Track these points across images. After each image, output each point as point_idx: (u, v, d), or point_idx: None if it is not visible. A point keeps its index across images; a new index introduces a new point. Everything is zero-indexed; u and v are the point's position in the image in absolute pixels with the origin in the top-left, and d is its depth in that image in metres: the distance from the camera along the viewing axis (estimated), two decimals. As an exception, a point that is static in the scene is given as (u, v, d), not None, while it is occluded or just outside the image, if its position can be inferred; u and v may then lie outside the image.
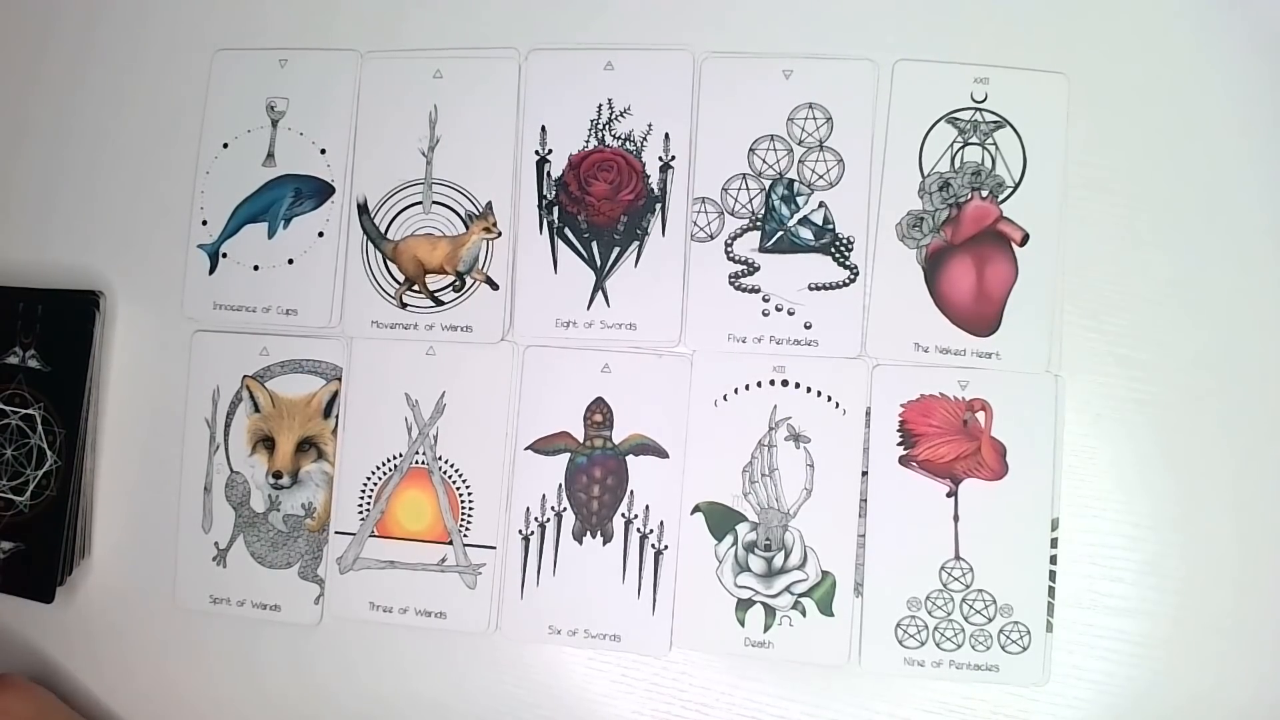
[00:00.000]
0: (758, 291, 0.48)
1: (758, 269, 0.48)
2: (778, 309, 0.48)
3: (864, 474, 0.47)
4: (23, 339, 0.51)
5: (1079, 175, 0.47)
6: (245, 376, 0.51)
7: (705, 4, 0.49)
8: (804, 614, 0.47)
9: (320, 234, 0.51)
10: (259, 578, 0.50)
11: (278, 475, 0.50)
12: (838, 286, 0.48)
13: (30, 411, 0.51)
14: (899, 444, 0.47)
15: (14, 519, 0.51)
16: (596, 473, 0.48)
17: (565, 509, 0.48)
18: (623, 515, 0.48)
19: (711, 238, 0.48)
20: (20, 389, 0.51)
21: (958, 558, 0.46)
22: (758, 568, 0.47)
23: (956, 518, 0.46)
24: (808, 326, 0.47)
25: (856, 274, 0.47)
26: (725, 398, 0.48)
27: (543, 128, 0.50)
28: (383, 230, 0.51)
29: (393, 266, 0.50)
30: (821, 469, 0.47)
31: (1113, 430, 0.46)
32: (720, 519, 0.47)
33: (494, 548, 0.49)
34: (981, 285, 0.47)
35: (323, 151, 0.51)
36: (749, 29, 0.49)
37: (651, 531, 0.48)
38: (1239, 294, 0.46)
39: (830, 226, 0.48)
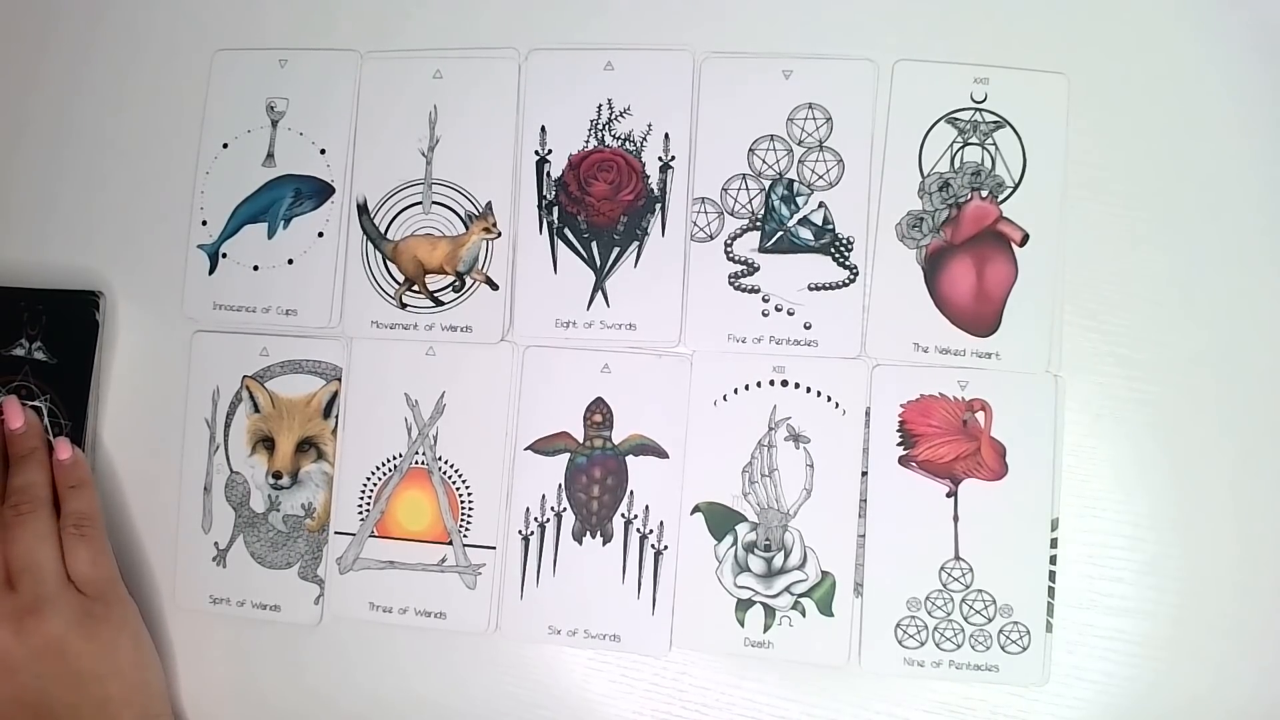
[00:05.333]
0: (757, 291, 0.48)
1: (757, 269, 0.48)
2: (777, 309, 0.48)
3: (864, 474, 0.47)
4: (29, 330, 0.51)
5: (1079, 175, 0.47)
6: (245, 376, 0.51)
7: (705, 4, 0.49)
8: (804, 614, 0.47)
9: (320, 234, 0.51)
10: (259, 578, 0.50)
11: (278, 475, 0.50)
12: (837, 286, 0.48)
13: (37, 404, 0.51)
14: (899, 444, 0.47)
15: None
16: (596, 473, 0.48)
17: (565, 509, 0.48)
18: (622, 515, 0.48)
19: (711, 238, 0.48)
20: (27, 380, 0.51)
21: (957, 558, 0.46)
22: (757, 568, 0.47)
23: (956, 518, 0.46)
24: (807, 326, 0.47)
25: (856, 274, 0.47)
26: (725, 398, 0.48)
27: (543, 128, 0.50)
28: (383, 230, 0.51)
29: (393, 266, 0.50)
30: (821, 469, 0.47)
31: (1113, 430, 0.46)
32: (720, 519, 0.47)
33: (494, 548, 0.49)
34: (981, 285, 0.47)
35: (323, 151, 0.51)
36: (749, 29, 0.49)
37: (651, 532, 0.48)
38: (1239, 294, 0.46)
39: (830, 226, 0.48)
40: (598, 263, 0.49)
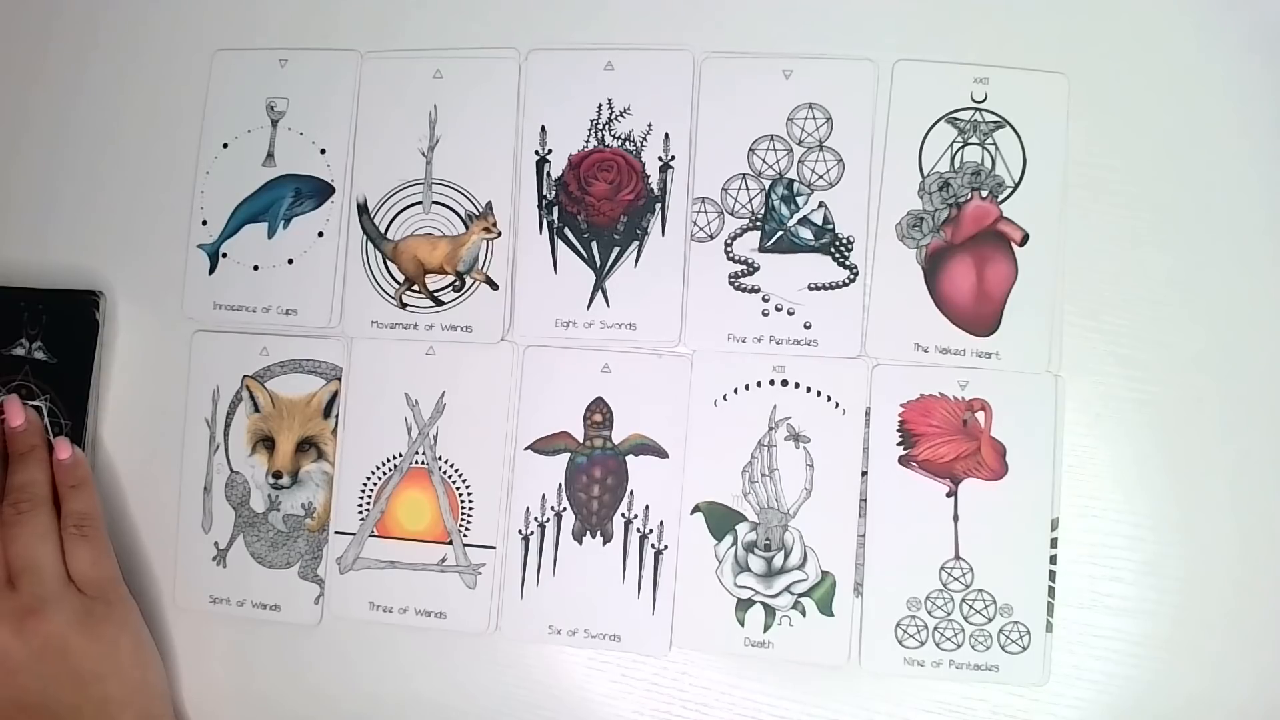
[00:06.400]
0: (758, 291, 0.48)
1: (757, 269, 0.48)
2: (778, 309, 0.48)
3: (864, 474, 0.47)
4: (29, 330, 0.51)
5: (1079, 175, 0.47)
6: (245, 376, 0.51)
7: (705, 4, 0.49)
8: (804, 614, 0.47)
9: (320, 234, 0.51)
10: (259, 578, 0.50)
11: (278, 475, 0.50)
12: (838, 286, 0.48)
13: (37, 403, 0.51)
14: (899, 444, 0.47)
15: None
16: (596, 473, 0.48)
17: (565, 509, 0.48)
18: (623, 515, 0.48)
19: (711, 238, 0.48)
20: (27, 380, 0.51)
21: (958, 558, 0.46)
22: (758, 568, 0.47)
23: (956, 518, 0.46)
24: (808, 326, 0.47)
25: (856, 274, 0.47)
26: (725, 398, 0.48)
27: (543, 128, 0.50)
28: (383, 230, 0.51)
29: (393, 266, 0.50)
30: (821, 469, 0.47)
31: (1113, 430, 0.46)
32: (720, 519, 0.47)
33: (494, 548, 0.49)
34: (981, 285, 0.47)
35: (323, 151, 0.51)
36: (749, 29, 0.49)
37: (651, 531, 0.48)
38: (1239, 294, 0.46)
39: (830, 226, 0.48)
40: (598, 262, 0.49)
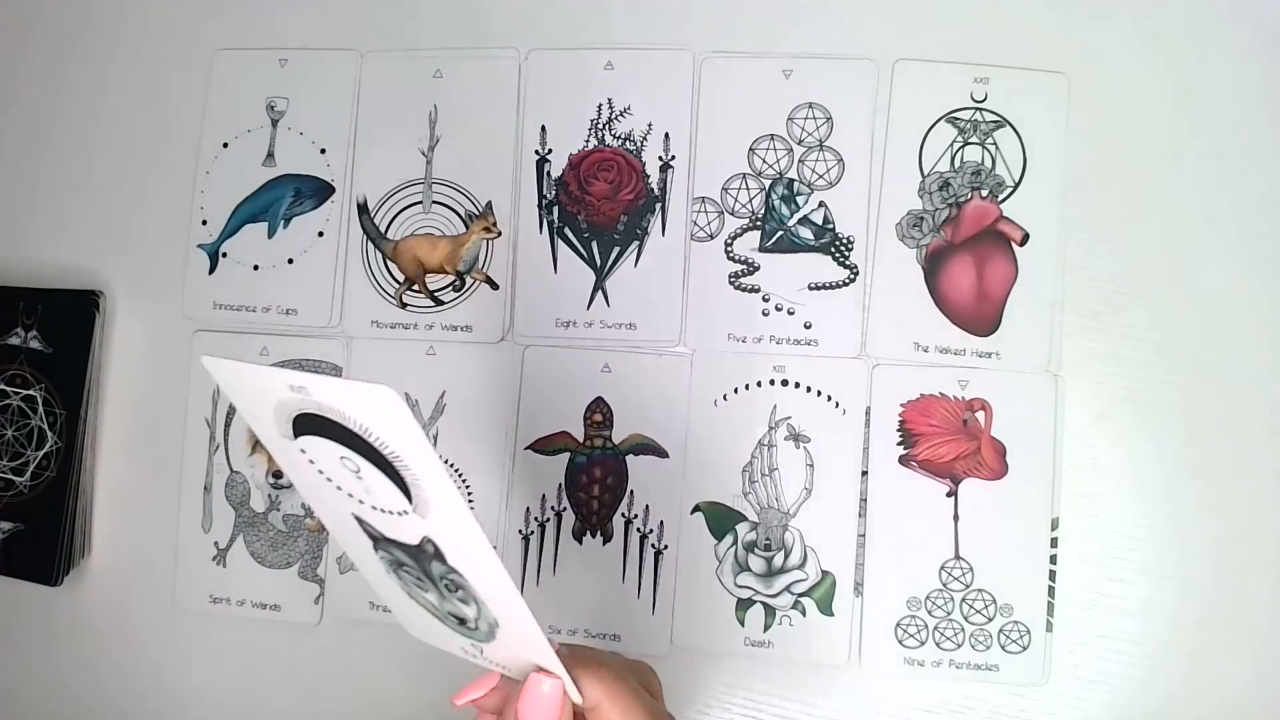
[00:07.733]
0: (758, 291, 0.48)
1: (758, 269, 0.48)
2: (778, 309, 0.48)
3: (864, 474, 0.47)
4: (24, 320, 0.51)
5: (1079, 175, 0.47)
6: (245, 376, 0.51)
7: (705, 4, 0.49)
8: (804, 614, 0.47)
9: (320, 234, 0.51)
10: (259, 578, 0.50)
11: (278, 475, 0.50)
12: (838, 286, 0.48)
13: (31, 392, 0.51)
14: (899, 444, 0.47)
15: (14, 499, 0.51)
16: (596, 472, 0.48)
17: (565, 509, 0.48)
18: (623, 515, 0.48)
19: (711, 237, 0.48)
20: (22, 369, 0.51)
21: (958, 557, 0.46)
22: (758, 567, 0.47)
23: (956, 517, 0.46)
24: (808, 326, 0.47)
25: (856, 274, 0.47)
26: (725, 397, 0.48)
27: (543, 127, 0.50)
28: (383, 230, 0.51)
29: (393, 266, 0.50)
30: (821, 469, 0.47)
31: (1112, 430, 0.46)
32: (720, 519, 0.47)
33: (494, 547, 0.49)
34: (981, 285, 0.47)
35: (323, 151, 0.51)
36: (749, 29, 0.49)
37: (651, 531, 0.48)
38: (1239, 294, 0.46)
39: (830, 226, 0.48)
40: (598, 262, 0.49)
